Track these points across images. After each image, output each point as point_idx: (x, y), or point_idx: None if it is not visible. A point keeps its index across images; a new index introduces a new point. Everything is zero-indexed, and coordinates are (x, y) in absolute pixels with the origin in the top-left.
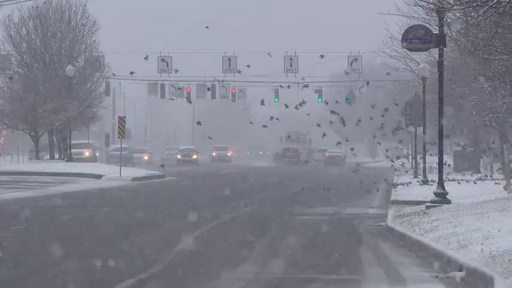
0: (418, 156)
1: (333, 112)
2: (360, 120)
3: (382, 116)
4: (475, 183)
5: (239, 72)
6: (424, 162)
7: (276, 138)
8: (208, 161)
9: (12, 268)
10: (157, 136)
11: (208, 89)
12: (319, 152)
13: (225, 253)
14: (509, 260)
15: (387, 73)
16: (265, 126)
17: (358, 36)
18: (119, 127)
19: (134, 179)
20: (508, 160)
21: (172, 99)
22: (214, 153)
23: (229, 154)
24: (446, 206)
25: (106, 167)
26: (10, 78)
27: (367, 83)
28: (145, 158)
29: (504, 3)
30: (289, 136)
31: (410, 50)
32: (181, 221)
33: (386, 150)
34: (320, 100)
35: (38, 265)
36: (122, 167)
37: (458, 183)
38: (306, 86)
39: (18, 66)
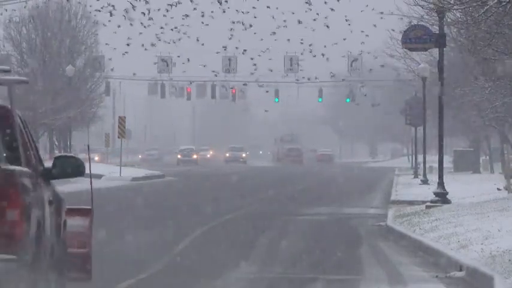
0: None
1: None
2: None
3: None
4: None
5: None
6: (424, 162)
7: (276, 138)
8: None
9: None
10: (157, 136)
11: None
12: (311, 151)
13: (226, 252)
14: (509, 260)
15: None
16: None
17: (358, 36)
18: (119, 127)
19: (134, 179)
20: (508, 160)
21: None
22: (227, 154)
23: (244, 155)
24: (446, 206)
25: (106, 166)
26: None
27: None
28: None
29: (504, 3)
30: (282, 138)
31: (410, 49)
32: (183, 220)
33: None
34: (320, 100)
35: None
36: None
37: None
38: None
39: (19, 66)
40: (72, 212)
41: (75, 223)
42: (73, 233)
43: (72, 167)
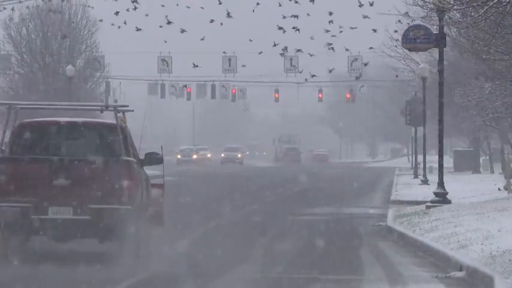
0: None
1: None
2: None
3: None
4: None
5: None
6: (424, 162)
7: (275, 138)
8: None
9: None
10: (157, 136)
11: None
12: (310, 151)
13: (226, 252)
14: (509, 260)
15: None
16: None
17: (358, 36)
18: None
19: None
20: (508, 160)
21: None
22: (223, 155)
23: (239, 156)
24: (446, 206)
25: None
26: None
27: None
28: None
29: (504, 3)
30: (280, 138)
31: (410, 50)
32: (185, 219)
33: None
34: (319, 100)
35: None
36: None
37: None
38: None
39: (19, 66)
40: (152, 185)
41: (154, 192)
42: (153, 198)
43: (155, 159)
